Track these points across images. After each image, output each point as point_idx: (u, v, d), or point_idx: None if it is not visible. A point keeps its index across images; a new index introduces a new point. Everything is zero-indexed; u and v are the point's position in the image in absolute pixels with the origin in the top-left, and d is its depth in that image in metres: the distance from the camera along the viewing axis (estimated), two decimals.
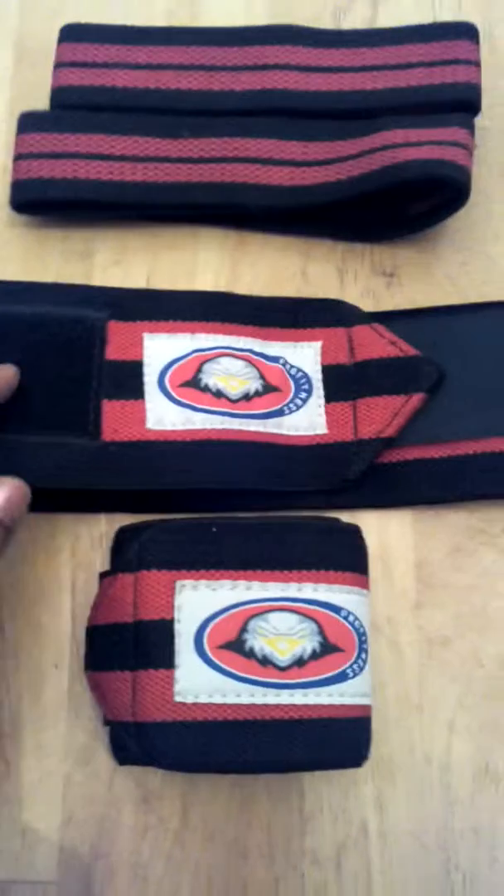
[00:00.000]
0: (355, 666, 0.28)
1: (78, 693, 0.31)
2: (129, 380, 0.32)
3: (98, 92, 0.38)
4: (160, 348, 0.33)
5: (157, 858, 0.30)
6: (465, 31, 0.37)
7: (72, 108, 0.37)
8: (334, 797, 0.31)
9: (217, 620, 0.28)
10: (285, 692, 0.27)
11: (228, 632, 0.28)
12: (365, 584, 0.30)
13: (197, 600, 0.28)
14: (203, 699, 0.27)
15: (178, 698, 0.27)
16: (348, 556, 0.30)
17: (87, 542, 0.33)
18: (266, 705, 0.27)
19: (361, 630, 0.29)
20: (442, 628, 0.33)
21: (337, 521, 0.31)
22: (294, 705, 0.27)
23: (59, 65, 0.38)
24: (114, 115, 0.37)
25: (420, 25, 0.38)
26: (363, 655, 0.29)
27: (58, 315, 0.33)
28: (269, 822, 0.31)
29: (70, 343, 0.33)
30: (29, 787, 0.31)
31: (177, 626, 0.28)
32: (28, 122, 0.37)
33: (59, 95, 0.38)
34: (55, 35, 0.39)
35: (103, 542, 0.33)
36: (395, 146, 0.34)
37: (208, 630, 0.28)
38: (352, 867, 0.30)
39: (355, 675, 0.28)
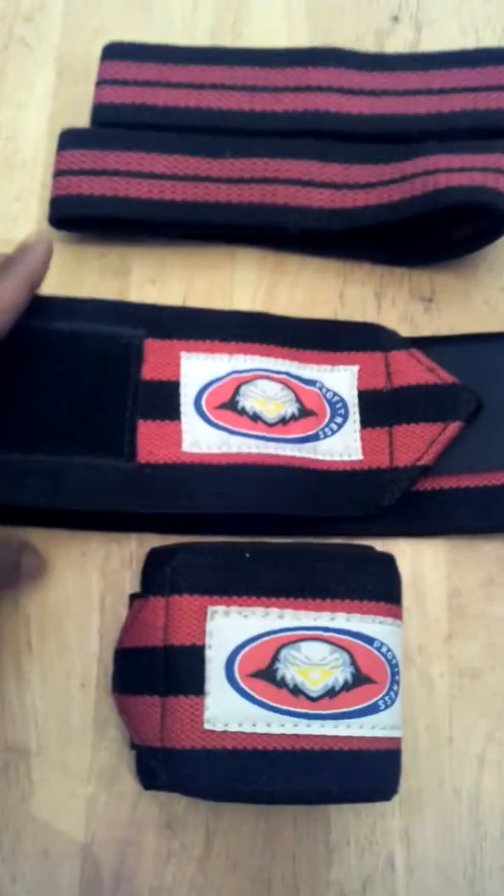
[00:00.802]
0: (387, 698, 0.28)
1: (104, 714, 0.31)
2: (165, 400, 0.32)
3: (139, 110, 0.38)
4: (197, 368, 0.33)
5: (180, 885, 0.30)
6: None
7: (113, 126, 0.38)
8: (361, 829, 0.31)
9: (248, 648, 0.28)
10: (316, 723, 0.27)
11: (260, 660, 0.27)
12: (399, 615, 0.29)
13: (229, 627, 0.28)
14: (233, 727, 0.27)
15: (207, 726, 0.27)
16: (382, 586, 0.29)
17: (117, 561, 0.33)
18: (296, 736, 0.27)
19: (394, 661, 0.29)
20: (473, 660, 0.32)
21: (371, 549, 0.31)
22: (324, 736, 0.27)
23: (100, 82, 0.38)
24: (154, 133, 0.37)
25: (464, 51, 0.38)
26: (395, 687, 0.28)
27: (94, 332, 0.33)
28: (295, 853, 0.30)
29: (106, 361, 0.33)
30: (53, 807, 0.30)
31: (208, 653, 0.27)
32: (69, 139, 0.37)
33: (101, 113, 0.38)
34: (97, 53, 0.39)
35: (133, 562, 0.33)
36: (437, 171, 0.34)
37: (239, 658, 0.27)
38: None
39: (387, 706, 0.28)
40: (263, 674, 0.27)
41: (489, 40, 0.41)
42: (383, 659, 0.28)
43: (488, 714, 0.32)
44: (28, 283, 0.30)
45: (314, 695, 0.27)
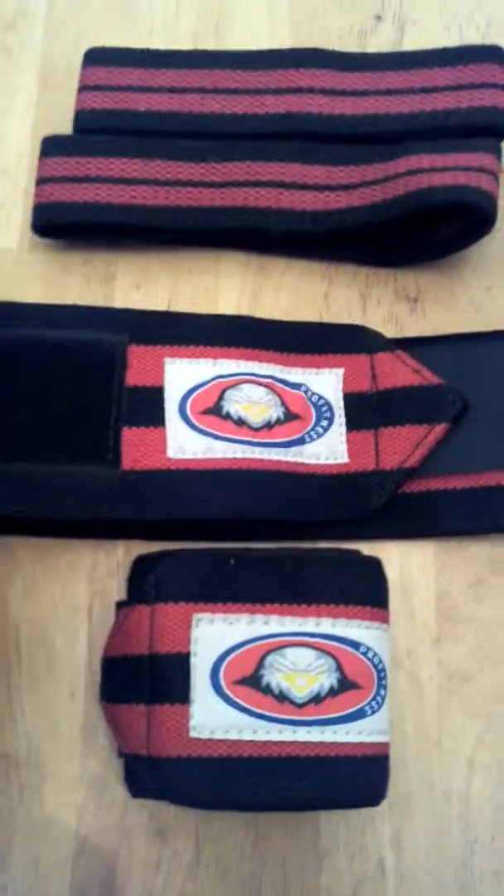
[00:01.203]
0: (373, 703, 0.28)
1: (93, 723, 0.31)
2: (149, 406, 0.32)
3: (121, 116, 0.37)
4: (181, 374, 0.33)
5: (171, 892, 0.30)
6: (493, 55, 0.37)
7: (95, 132, 0.37)
8: (351, 834, 0.31)
9: (234, 655, 0.27)
10: (302, 729, 0.27)
11: (245, 667, 0.27)
12: (385, 619, 0.29)
13: (213, 634, 0.28)
14: (218, 735, 0.27)
15: (193, 734, 0.27)
16: (368, 590, 0.29)
17: (104, 569, 0.33)
18: (282, 742, 0.27)
19: (380, 666, 0.28)
20: (462, 663, 0.32)
21: (357, 553, 0.30)
22: (310, 743, 0.27)
23: (82, 88, 0.38)
24: (137, 138, 0.37)
25: (447, 49, 0.37)
26: (381, 692, 0.28)
27: (77, 339, 0.33)
28: (285, 859, 0.30)
29: (89, 367, 0.32)
30: (42, 816, 0.30)
31: (193, 661, 0.27)
32: (51, 146, 0.37)
33: (83, 119, 0.38)
34: (79, 59, 0.39)
35: (120, 569, 0.33)
36: (420, 171, 0.34)
37: (224, 665, 0.27)
38: None
39: (373, 712, 0.28)
40: (249, 681, 0.27)
41: (472, 38, 0.40)
42: (369, 664, 0.28)
43: (478, 717, 0.32)
44: None
45: (300, 701, 0.27)
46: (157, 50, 0.39)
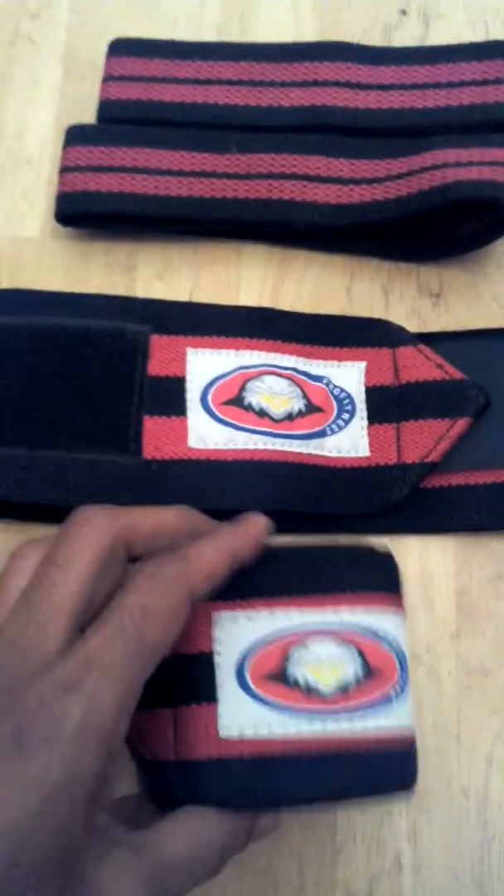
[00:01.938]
0: (397, 687, 0.28)
1: None
2: (171, 396, 0.32)
3: (145, 106, 0.38)
4: (203, 364, 0.33)
5: None
6: None
7: (119, 122, 0.37)
8: (368, 828, 0.30)
9: (258, 651, 0.27)
10: (331, 720, 0.27)
11: (270, 662, 0.27)
12: (400, 604, 0.29)
13: (236, 631, 0.27)
14: (248, 733, 0.26)
15: (222, 734, 0.26)
16: (382, 579, 0.29)
17: None
18: (313, 736, 0.26)
19: (401, 652, 0.28)
20: (482, 658, 0.32)
21: (370, 547, 0.30)
22: (341, 733, 0.27)
23: (107, 78, 0.38)
24: (161, 129, 0.37)
25: (472, 44, 0.37)
26: (404, 677, 0.28)
27: (99, 327, 0.33)
28: (301, 852, 0.30)
29: (112, 356, 0.33)
30: None
31: (217, 659, 0.27)
32: (75, 136, 0.37)
33: (107, 109, 0.38)
34: (104, 49, 0.39)
35: None
36: (444, 166, 0.34)
37: (249, 661, 0.27)
38: None
39: (398, 696, 0.28)
40: (275, 676, 0.27)
41: (498, 33, 0.40)
42: (390, 649, 0.28)
43: (497, 712, 0.31)
44: (231, 555, 0.26)
45: (328, 692, 0.27)
46: (181, 41, 0.39)
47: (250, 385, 0.32)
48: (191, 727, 0.26)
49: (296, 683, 0.27)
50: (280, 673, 0.27)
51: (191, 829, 0.24)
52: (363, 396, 0.34)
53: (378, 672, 0.28)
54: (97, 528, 0.24)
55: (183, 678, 0.27)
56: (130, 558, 0.25)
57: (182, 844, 0.23)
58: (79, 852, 0.21)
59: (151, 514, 0.26)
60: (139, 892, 0.21)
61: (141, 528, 0.25)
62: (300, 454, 0.32)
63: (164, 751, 0.27)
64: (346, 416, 0.33)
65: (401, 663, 0.28)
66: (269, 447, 0.32)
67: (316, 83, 0.37)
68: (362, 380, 0.34)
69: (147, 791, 0.29)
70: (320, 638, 0.27)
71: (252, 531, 0.27)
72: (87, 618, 0.23)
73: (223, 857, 0.24)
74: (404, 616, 0.30)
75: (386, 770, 0.27)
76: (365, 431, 0.33)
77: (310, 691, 0.27)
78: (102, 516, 0.25)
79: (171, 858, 0.23)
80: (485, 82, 0.36)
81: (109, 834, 0.22)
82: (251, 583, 0.28)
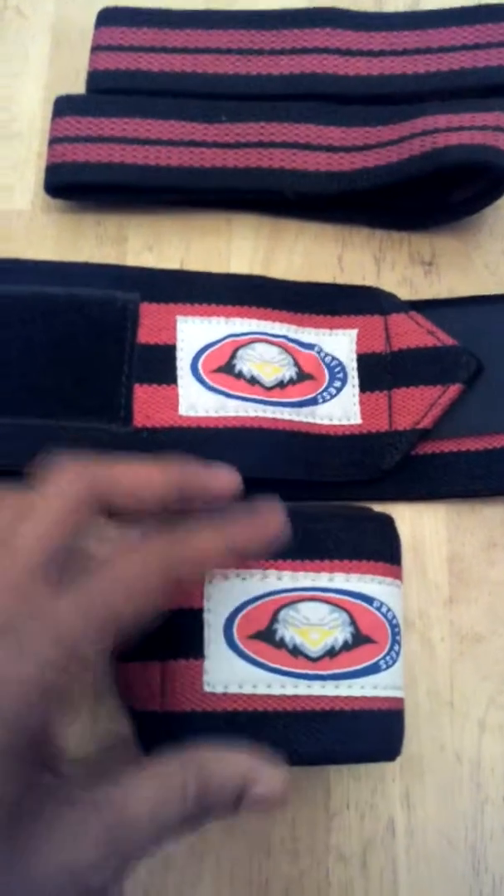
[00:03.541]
0: (388, 658, 0.28)
1: (101, 681, 0.31)
2: (161, 364, 0.32)
3: (135, 76, 0.37)
4: (194, 332, 0.33)
5: (178, 849, 0.30)
6: None
7: (108, 92, 0.37)
8: (361, 794, 0.30)
9: (247, 610, 0.27)
10: (316, 683, 0.27)
11: (259, 622, 0.27)
12: (398, 575, 0.29)
13: (227, 589, 0.27)
14: (233, 689, 0.27)
15: (207, 688, 0.27)
16: (381, 546, 0.29)
17: None
18: (297, 696, 0.27)
19: (394, 621, 0.28)
20: (475, 624, 0.32)
21: (368, 510, 0.30)
22: (325, 696, 0.27)
23: (95, 48, 0.38)
24: (150, 99, 0.37)
25: (464, 7, 0.37)
26: (396, 647, 0.28)
27: (89, 296, 0.33)
28: (294, 818, 0.30)
29: (101, 324, 0.32)
30: None
31: (206, 616, 0.27)
32: (64, 106, 0.37)
33: (96, 79, 0.38)
34: (92, 19, 0.39)
35: None
36: (435, 131, 0.33)
37: (238, 620, 0.27)
38: (378, 864, 0.30)
39: (388, 666, 0.28)
40: (262, 635, 0.27)
41: None
42: (383, 619, 0.28)
43: (490, 678, 0.31)
44: (231, 548, 0.24)
45: (314, 655, 0.27)
46: (170, 10, 0.38)
47: (241, 353, 0.32)
48: (177, 680, 0.27)
49: (283, 643, 0.27)
50: (268, 632, 0.27)
51: (156, 780, 0.22)
52: (355, 364, 0.33)
53: (369, 639, 0.27)
54: (68, 480, 0.23)
55: (172, 632, 0.27)
56: (112, 514, 0.24)
57: (145, 796, 0.21)
58: (22, 815, 0.20)
59: (135, 470, 0.24)
60: (96, 852, 0.20)
61: (120, 482, 0.24)
62: (291, 422, 0.32)
63: (151, 701, 0.27)
64: (337, 383, 0.33)
65: (393, 633, 0.28)
66: (261, 414, 0.31)
67: (306, 50, 0.37)
68: (354, 347, 0.34)
69: (133, 735, 0.29)
70: (311, 601, 0.27)
71: (264, 527, 0.24)
72: (57, 568, 0.22)
73: (198, 811, 0.22)
74: (402, 586, 0.30)
75: (369, 737, 0.27)
76: (356, 399, 0.33)
77: (297, 652, 0.27)
78: (76, 467, 0.23)
79: (133, 812, 0.21)
80: (476, 46, 0.36)
81: (63, 794, 0.21)
82: None
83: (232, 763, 0.23)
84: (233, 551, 0.24)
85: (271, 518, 0.25)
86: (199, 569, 0.24)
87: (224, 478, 0.26)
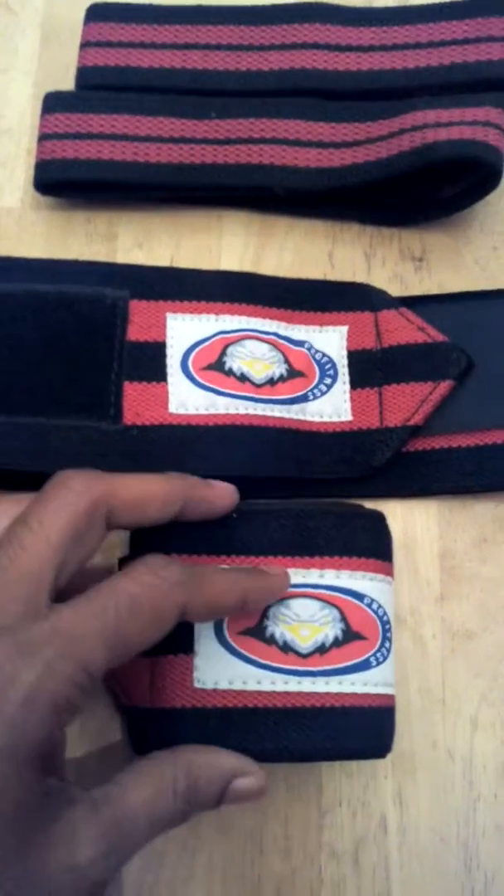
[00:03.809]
0: (378, 655, 0.28)
1: None
2: (151, 361, 0.32)
3: (124, 72, 0.37)
4: (183, 329, 0.32)
5: (172, 846, 0.30)
6: (500, 8, 0.36)
7: (98, 89, 0.37)
8: (354, 791, 0.30)
9: None
10: (307, 680, 0.27)
11: (249, 618, 0.27)
12: (389, 572, 0.29)
13: None
14: (223, 686, 0.26)
15: (197, 684, 0.27)
16: (372, 543, 0.29)
17: None
18: (287, 693, 0.26)
19: (385, 618, 0.28)
20: (466, 621, 0.32)
21: (360, 506, 0.30)
22: (316, 693, 0.27)
23: (85, 45, 0.38)
24: (139, 95, 0.37)
25: (453, 2, 0.37)
26: (387, 644, 0.28)
27: (78, 293, 0.33)
28: (287, 815, 0.30)
29: (91, 322, 0.32)
30: None
31: None
32: (53, 103, 0.37)
33: (85, 75, 0.37)
34: (82, 14, 0.38)
35: None
36: (425, 127, 0.33)
37: (228, 617, 0.27)
38: (370, 862, 0.30)
39: (379, 663, 0.28)
40: (252, 631, 0.27)
41: None
42: (374, 615, 0.28)
43: (481, 675, 0.31)
44: (240, 598, 0.25)
45: (304, 651, 0.27)
46: (159, 6, 0.38)
47: (231, 350, 0.32)
48: (167, 676, 0.27)
49: (273, 640, 0.27)
50: (258, 628, 0.27)
51: (150, 779, 0.23)
52: (345, 361, 0.33)
53: (359, 635, 0.27)
54: (74, 492, 0.23)
55: None
56: (114, 527, 0.25)
57: (141, 795, 0.23)
58: (28, 816, 0.20)
59: (137, 482, 0.25)
60: (96, 848, 0.21)
61: (123, 495, 0.24)
62: (282, 419, 0.32)
63: (141, 697, 0.27)
64: (328, 380, 0.33)
65: (384, 629, 0.28)
66: (251, 412, 0.31)
67: (295, 46, 0.37)
68: (344, 344, 0.34)
69: (124, 732, 0.29)
70: (302, 597, 0.27)
71: (272, 584, 0.26)
72: (61, 582, 0.23)
73: (186, 807, 0.24)
74: (393, 583, 0.30)
75: (360, 734, 0.27)
76: (347, 396, 0.33)
77: (287, 649, 0.27)
78: (81, 479, 0.24)
79: (129, 810, 0.22)
80: (465, 41, 0.35)
81: (64, 795, 0.22)
82: (237, 540, 0.28)
83: (218, 762, 0.25)
84: (245, 602, 0.25)
85: (281, 577, 0.27)
86: (210, 611, 0.25)
87: (223, 491, 0.27)
